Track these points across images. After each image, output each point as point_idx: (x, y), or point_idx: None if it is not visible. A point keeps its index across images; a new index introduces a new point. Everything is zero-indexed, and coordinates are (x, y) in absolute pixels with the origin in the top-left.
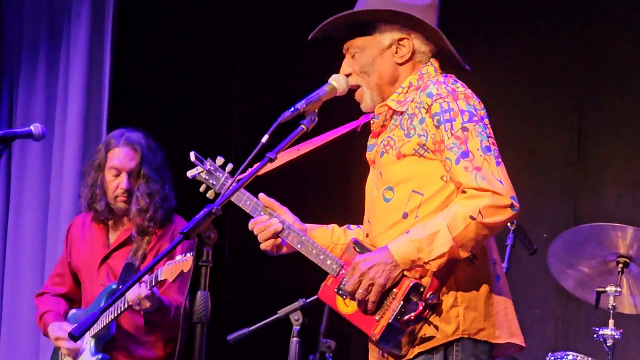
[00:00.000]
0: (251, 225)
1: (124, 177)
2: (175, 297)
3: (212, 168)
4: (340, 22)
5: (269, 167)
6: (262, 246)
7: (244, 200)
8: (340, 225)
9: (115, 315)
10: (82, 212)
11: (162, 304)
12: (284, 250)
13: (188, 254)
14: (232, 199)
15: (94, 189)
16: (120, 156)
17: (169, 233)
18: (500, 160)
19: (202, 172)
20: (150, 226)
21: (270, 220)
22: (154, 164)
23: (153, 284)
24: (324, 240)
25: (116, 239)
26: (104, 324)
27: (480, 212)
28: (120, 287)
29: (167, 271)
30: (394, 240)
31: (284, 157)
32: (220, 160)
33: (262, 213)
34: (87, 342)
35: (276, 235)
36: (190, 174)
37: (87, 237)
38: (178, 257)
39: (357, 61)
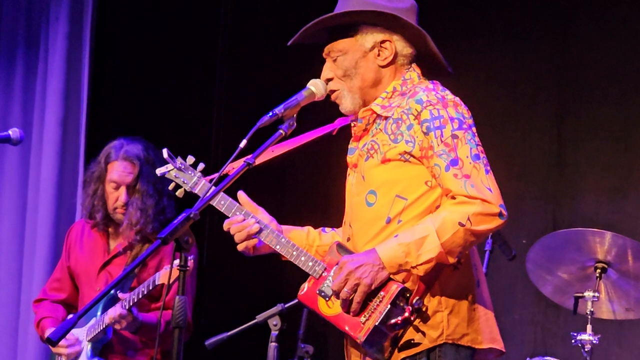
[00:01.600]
0: (226, 225)
1: (123, 190)
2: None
3: (183, 166)
4: (320, 25)
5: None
6: (239, 247)
7: (217, 199)
8: (315, 228)
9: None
10: (82, 218)
11: (142, 324)
12: (261, 251)
13: (189, 258)
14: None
15: (94, 199)
16: (119, 170)
17: (169, 244)
18: (489, 168)
19: (172, 170)
20: (135, 240)
21: (247, 221)
22: (151, 177)
23: (150, 288)
24: (299, 242)
25: (117, 246)
26: (101, 328)
27: (469, 219)
28: (117, 292)
29: (164, 275)
30: (382, 243)
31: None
32: (190, 159)
33: (237, 213)
34: (84, 346)
35: (252, 236)
36: (159, 171)
37: (87, 243)
38: (176, 262)
39: (338, 65)
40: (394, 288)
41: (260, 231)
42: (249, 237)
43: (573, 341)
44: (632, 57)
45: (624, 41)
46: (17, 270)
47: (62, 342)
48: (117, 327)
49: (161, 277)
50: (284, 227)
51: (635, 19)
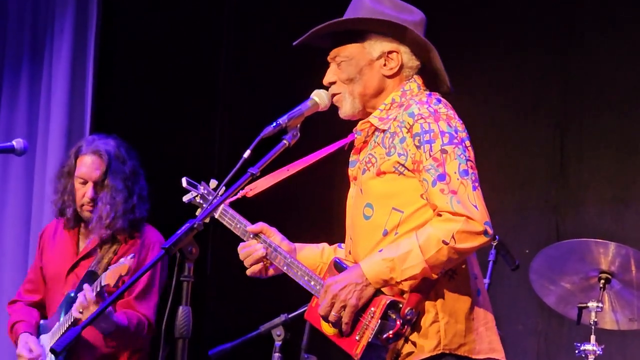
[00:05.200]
0: (239, 249)
1: (89, 186)
2: (141, 311)
3: (206, 192)
4: (331, 29)
5: (259, 188)
6: (248, 272)
7: (235, 223)
8: (330, 244)
9: (70, 323)
10: (55, 219)
11: (118, 327)
12: (272, 272)
13: (129, 257)
14: (225, 222)
15: (64, 196)
16: (87, 165)
17: (137, 244)
18: (477, 185)
19: (196, 196)
20: (106, 235)
21: (255, 246)
22: (120, 173)
23: (98, 289)
24: (314, 260)
25: (85, 247)
26: (62, 333)
27: (453, 237)
28: (78, 294)
29: (109, 276)
30: (366, 258)
31: (273, 178)
32: (213, 183)
33: (251, 236)
34: (48, 353)
35: (261, 260)
36: (186, 198)
37: (58, 245)
38: (121, 260)
39: (343, 70)
40: (383, 302)
41: (269, 253)
42: (258, 261)
43: (577, 352)
44: (635, 67)
45: (626, 51)
46: (22, 279)
47: (26, 354)
48: (82, 311)
49: (106, 278)
50: (298, 245)
51: (636, 28)
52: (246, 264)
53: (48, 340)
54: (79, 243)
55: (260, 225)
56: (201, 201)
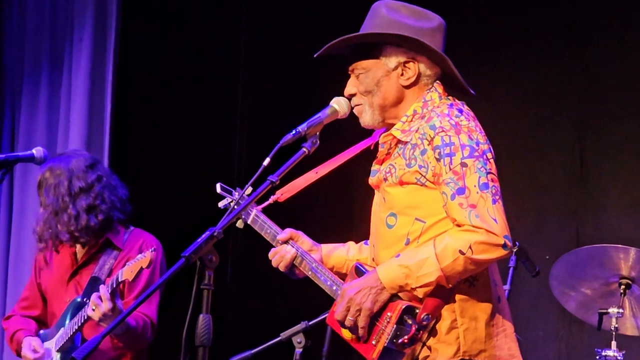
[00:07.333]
0: (270, 256)
1: None
2: (143, 312)
3: (240, 198)
4: (345, 43)
5: (290, 192)
6: (296, 271)
7: (265, 228)
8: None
9: (79, 325)
10: None
11: (129, 328)
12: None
13: (147, 252)
14: (256, 228)
15: None
16: None
17: (135, 247)
18: (497, 198)
19: (231, 202)
20: (38, 246)
21: (285, 249)
22: (50, 188)
23: (114, 286)
24: (341, 259)
25: (83, 255)
26: (69, 336)
27: (470, 248)
28: (85, 299)
29: (127, 271)
30: (383, 263)
31: (304, 181)
32: (248, 189)
33: (280, 242)
34: (54, 357)
35: (294, 260)
36: (221, 204)
37: (55, 257)
38: (139, 256)
39: (361, 82)
40: (399, 307)
41: (296, 257)
42: (289, 264)
43: (598, 357)
44: None
45: None
46: None
47: (29, 355)
48: (98, 314)
49: (124, 274)
50: (324, 245)
51: None
52: (281, 269)
53: (52, 345)
54: (77, 253)
55: (289, 233)
56: (236, 207)
